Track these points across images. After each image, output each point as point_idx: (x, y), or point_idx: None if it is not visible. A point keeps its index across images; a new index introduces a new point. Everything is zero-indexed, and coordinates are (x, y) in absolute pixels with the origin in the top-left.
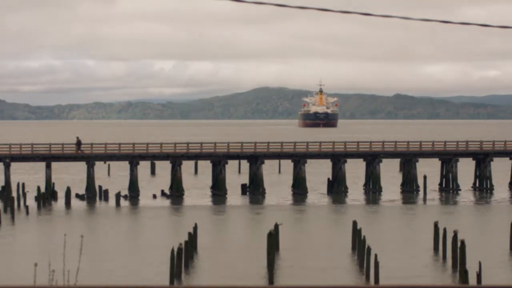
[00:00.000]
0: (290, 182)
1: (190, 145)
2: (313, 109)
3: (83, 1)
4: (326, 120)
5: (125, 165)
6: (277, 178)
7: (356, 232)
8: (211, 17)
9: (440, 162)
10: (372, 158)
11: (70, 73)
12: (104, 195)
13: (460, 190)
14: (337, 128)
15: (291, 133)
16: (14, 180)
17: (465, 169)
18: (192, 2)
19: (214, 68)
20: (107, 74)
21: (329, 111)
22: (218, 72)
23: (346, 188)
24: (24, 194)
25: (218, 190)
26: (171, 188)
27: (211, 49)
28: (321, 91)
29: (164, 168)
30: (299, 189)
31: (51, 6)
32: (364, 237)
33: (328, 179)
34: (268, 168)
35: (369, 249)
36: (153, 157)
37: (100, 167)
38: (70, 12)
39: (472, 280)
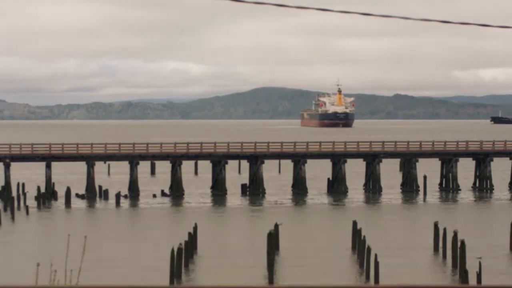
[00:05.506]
0: (290, 182)
1: (190, 145)
2: (331, 109)
3: (243, 19)
4: (346, 120)
5: (125, 165)
6: (277, 178)
7: (356, 232)
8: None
9: (440, 162)
10: (372, 158)
11: (141, 75)
12: (104, 195)
13: (460, 190)
14: (356, 128)
15: (325, 135)
16: (14, 180)
17: (465, 169)
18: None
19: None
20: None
21: (347, 111)
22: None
23: (346, 188)
24: (24, 194)
25: (218, 190)
26: (171, 188)
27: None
28: (339, 91)
29: (164, 168)
30: (299, 189)
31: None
32: (364, 237)
33: (328, 179)
34: (268, 168)
35: (369, 249)
36: (153, 157)
37: (100, 167)
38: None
39: (472, 280)
